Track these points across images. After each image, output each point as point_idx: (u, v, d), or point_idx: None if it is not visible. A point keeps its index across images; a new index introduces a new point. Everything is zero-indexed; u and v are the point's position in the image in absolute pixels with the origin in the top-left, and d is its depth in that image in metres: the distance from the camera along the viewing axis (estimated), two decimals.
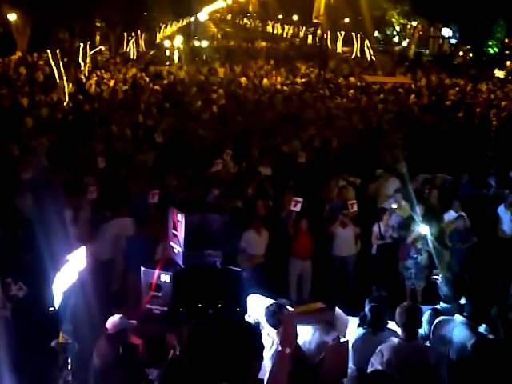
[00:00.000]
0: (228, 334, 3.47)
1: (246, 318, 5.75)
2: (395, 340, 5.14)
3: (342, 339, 5.38)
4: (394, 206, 10.47)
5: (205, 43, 47.08)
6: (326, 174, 12.03)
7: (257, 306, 5.96)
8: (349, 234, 9.90)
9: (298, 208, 9.68)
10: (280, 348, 3.32)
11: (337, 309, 5.98)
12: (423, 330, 6.05)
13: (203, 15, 76.56)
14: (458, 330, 5.64)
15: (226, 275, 6.44)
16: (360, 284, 9.92)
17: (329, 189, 11.33)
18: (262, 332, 4.45)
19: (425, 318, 6.12)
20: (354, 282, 10.00)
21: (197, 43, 47.00)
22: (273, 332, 5.22)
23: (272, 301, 5.86)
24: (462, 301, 6.10)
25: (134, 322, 5.73)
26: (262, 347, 3.50)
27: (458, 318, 5.73)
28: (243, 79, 26.95)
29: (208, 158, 12.54)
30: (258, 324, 3.57)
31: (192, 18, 67.06)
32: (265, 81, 27.07)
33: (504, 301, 8.78)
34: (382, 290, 9.98)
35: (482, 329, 6.00)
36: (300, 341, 5.03)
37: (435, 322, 5.89)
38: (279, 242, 9.81)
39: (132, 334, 5.68)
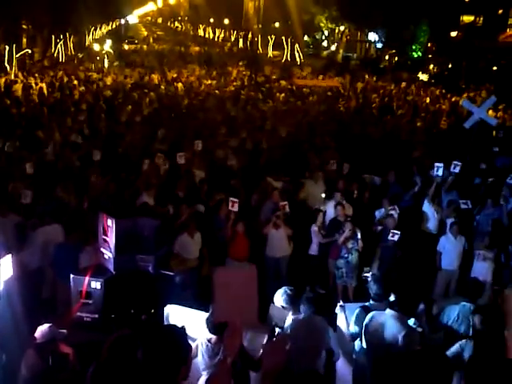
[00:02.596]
0: (159, 340, 3.46)
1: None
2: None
3: (278, 331, 5.48)
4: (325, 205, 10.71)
5: (135, 46, 46.53)
6: (259, 177, 12.14)
7: (181, 317, 5.93)
8: (281, 235, 10.01)
9: (235, 208, 9.75)
10: (223, 357, 3.35)
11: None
12: (354, 329, 6.21)
13: (133, 18, 75.64)
14: (389, 323, 5.83)
15: (159, 280, 6.42)
16: (293, 284, 10.02)
17: (261, 191, 11.46)
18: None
19: (354, 316, 6.30)
20: (288, 282, 10.10)
21: (127, 46, 46.39)
22: (215, 339, 5.25)
23: (195, 312, 5.84)
24: (391, 297, 6.30)
25: (64, 330, 5.61)
26: (189, 352, 3.51)
27: (388, 312, 5.92)
28: (180, 85, 26.82)
29: (137, 162, 12.40)
30: (184, 329, 3.58)
31: (122, 21, 66.20)
32: (204, 86, 27.04)
33: (429, 295, 9.14)
34: (317, 288, 10.17)
35: (410, 322, 6.22)
36: None
37: (367, 317, 6.06)
38: (215, 245, 9.82)
39: (62, 343, 5.56)
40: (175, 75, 30.35)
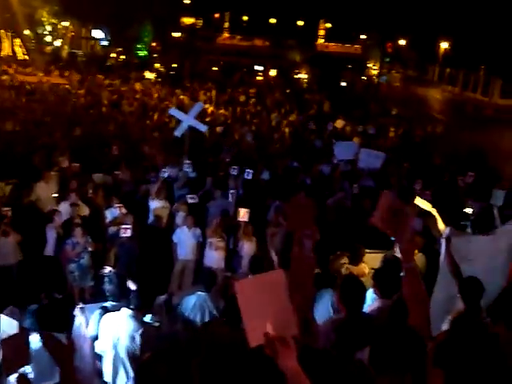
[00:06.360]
0: None
1: None
2: None
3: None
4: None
5: None
6: None
7: None
8: (11, 241, 9.53)
9: None
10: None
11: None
12: (93, 331, 6.07)
13: None
14: (125, 323, 5.84)
15: None
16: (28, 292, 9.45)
17: None
18: None
19: (95, 317, 6.16)
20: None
21: None
22: None
23: None
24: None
25: None
26: None
27: (124, 311, 5.91)
28: None
29: None
30: None
31: None
32: None
33: (167, 287, 9.44)
34: (54, 294, 9.72)
35: (147, 318, 6.33)
36: None
37: (103, 319, 5.98)
38: None
39: None
40: None
